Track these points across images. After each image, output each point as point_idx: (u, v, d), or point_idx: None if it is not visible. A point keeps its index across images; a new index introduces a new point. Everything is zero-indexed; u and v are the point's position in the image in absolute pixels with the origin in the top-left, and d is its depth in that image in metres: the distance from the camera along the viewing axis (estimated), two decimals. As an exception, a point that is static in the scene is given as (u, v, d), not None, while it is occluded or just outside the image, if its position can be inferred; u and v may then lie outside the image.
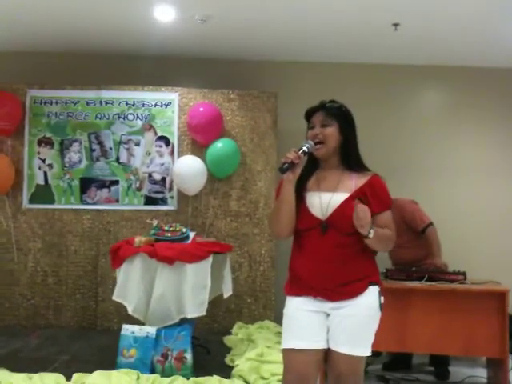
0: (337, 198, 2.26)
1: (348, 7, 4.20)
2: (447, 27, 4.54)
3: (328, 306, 2.25)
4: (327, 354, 2.27)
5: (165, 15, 4.44)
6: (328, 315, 2.27)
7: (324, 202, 2.27)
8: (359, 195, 2.26)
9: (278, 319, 2.42)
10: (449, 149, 5.46)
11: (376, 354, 4.27)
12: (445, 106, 5.60)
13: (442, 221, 4.43)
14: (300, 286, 2.29)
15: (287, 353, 2.28)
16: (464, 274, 3.96)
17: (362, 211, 2.13)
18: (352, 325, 2.24)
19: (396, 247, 4.32)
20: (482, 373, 4.16)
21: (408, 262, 4.24)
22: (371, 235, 2.16)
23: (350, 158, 2.34)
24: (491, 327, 3.73)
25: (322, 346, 2.25)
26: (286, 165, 2.20)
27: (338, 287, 2.23)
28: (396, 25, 4.44)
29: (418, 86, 5.57)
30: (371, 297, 2.27)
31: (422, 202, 4.48)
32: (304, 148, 2.25)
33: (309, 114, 2.38)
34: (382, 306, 2.29)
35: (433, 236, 4.26)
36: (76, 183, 4.96)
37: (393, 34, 4.56)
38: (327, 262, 2.24)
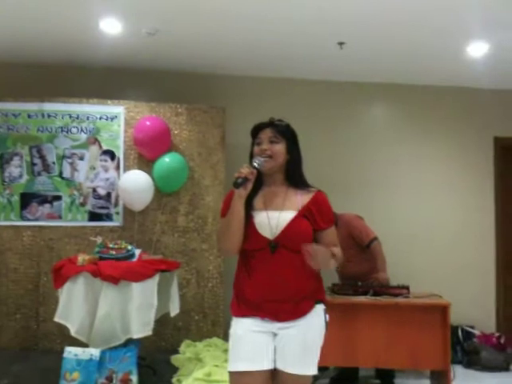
0: (285, 217, 2.27)
1: (295, 25, 4.25)
2: (391, 47, 4.66)
3: (276, 326, 2.25)
4: (274, 373, 2.27)
5: (111, 28, 4.36)
6: (275, 335, 2.26)
7: (272, 221, 2.27)
8: (305, 213, 2.28)
9: (227, 336, 2.39)
10: (392, 164, 5.59)
11: (323, 368, 4.30)
12: (388, 122, 5.75)
13: (385, 235, 4.52)
14: (248, 307, 2.28)
15: (234, 375, 2.26)
16: (407, 288, 4.06)
17: (318, 250, 2.15)
18: (300, 345, 2.24)
19: (345, 260, 4.39)
20: (426, 384, 4.27)
21: (354, 276, 4.30)
22: (335, 266, 2.23)
23: (294, 175, 2.36)
24: (434, 340, 3.84)
25: (268, 366, 2.24)
26: (240, 179, 2.19)
27: (288, 306, 2.23)
28: (341, 44, 4.54)
29: (362, 102, 5.69)
30: (318, 316, 2.30)
31: (365, 217, 4.57)
32: (255, 163, 2.26)
33: (256, 130, 2.37)
34: (327, 324, 2.32)
35: (377, 250, 4.35)
36: (16, 199, 4.77)
37: (338, 52, 4.65)
38: (277, 281, 2.23)
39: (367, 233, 4.38)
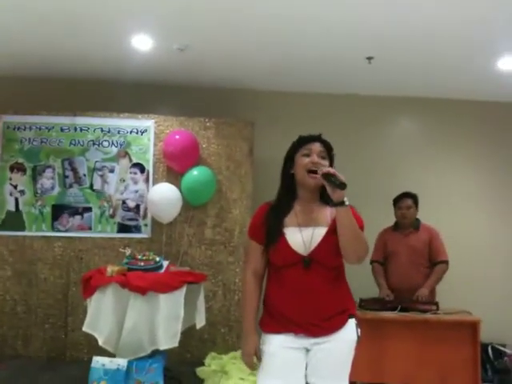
0: (318, 233, 2.27)
1: (323, 40, 4.29)
2: (420, 60, 4.65)
3: (309, 341, 2.25)
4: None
5: (142, 44, 4.47)
6: (308, 350, 2.26)
7: (306, 237, 2.27)
8: (336, 226, 2.26)
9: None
10: (421, 179, 5.49)
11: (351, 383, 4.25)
12: (417, 136, 5.72)
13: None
14: (281, 323, 2.27)
15: None
16: (436, 304, 4.00)
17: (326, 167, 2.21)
18: (334, 359, 2.25)
19: (411, 267, 4.28)
20: (455, 403, 4.17)
21: (411, 286, 4.24)
22: (347, 202, 2.15)
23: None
24: (464, 357, 3.77)
25: (300, 383, 2.24)
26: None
27: (321, 321, 2.24)
28: (370, 58, 4.55)
29: (390, 116, 5.69)
30: (350, 330, 2.30)
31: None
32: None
33: (304, 141, 2.35)
34: (359, 338, 2.32)
35: (440, 271, 4.33)
36: (48, 210, 4.87)
37: (367, 66, 4.66)
38: (311, 296, 2.24)
39: (445, 251, 4.38)
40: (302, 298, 2.24)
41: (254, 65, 4.93)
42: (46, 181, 4.90)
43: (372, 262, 4.46)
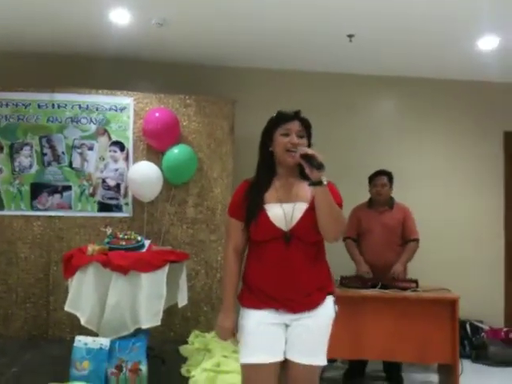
0: (299, 208, 2.28)
1: (305, 18, 4.24)
2: (401, 39, 4.64)
3: (289, 317, 2.28)
4: (283, 363, 2.29)
5: (120, 18, 4.37)
6: (287, 326, 2.29)
7: (287, 213, 2.28)
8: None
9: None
10: (400, 158, 5.52)
11: (331, 360, 4.30)
12: (397, 115, 5.73)
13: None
14: (261, 299, 2.28)
15: (247, 368, 2.28)
16: (416, 281, 4.06)
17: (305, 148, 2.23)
18: (312, 336, 2.28)
19: (385, 244, 4.34)
20: (434, 378, 4.27)
21: (384, 263, 4.30)
22: (325, 182, 2.17)
23: None
24: (442, 334, 3.84)
25: (280, 358, 2.27)
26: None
27: (301, 297, 2.26)
28: (351, 36, 4.52)
29: (371, 95, 5.67)
30: (328, 307, 2.33)
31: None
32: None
33: (282, 120, 2.34)
34: (337, 314, 2.36)
35: (412, 249, 4.40)
36: (26, 188, 4.79)
37: (348, 44, 4.63)
38: (291, 272, 2.25)
39: (416, 230, 4.44)
40: (282, 274, 2.25)
41: (234, 42, 4.87)
42: (23, 159, 4.81)
43: (345, 238, 4.47)
